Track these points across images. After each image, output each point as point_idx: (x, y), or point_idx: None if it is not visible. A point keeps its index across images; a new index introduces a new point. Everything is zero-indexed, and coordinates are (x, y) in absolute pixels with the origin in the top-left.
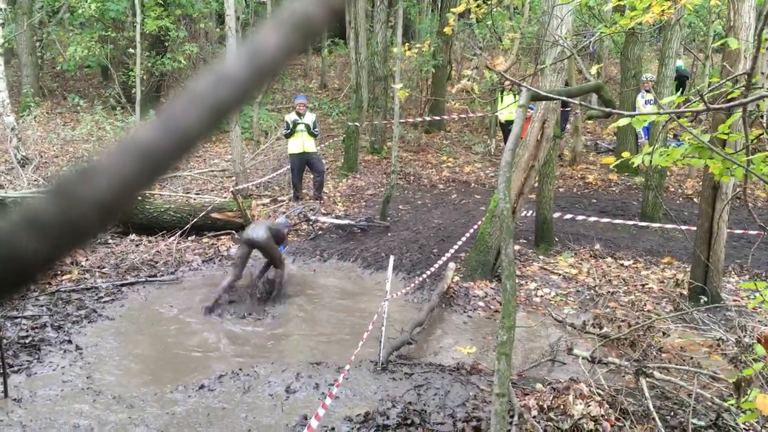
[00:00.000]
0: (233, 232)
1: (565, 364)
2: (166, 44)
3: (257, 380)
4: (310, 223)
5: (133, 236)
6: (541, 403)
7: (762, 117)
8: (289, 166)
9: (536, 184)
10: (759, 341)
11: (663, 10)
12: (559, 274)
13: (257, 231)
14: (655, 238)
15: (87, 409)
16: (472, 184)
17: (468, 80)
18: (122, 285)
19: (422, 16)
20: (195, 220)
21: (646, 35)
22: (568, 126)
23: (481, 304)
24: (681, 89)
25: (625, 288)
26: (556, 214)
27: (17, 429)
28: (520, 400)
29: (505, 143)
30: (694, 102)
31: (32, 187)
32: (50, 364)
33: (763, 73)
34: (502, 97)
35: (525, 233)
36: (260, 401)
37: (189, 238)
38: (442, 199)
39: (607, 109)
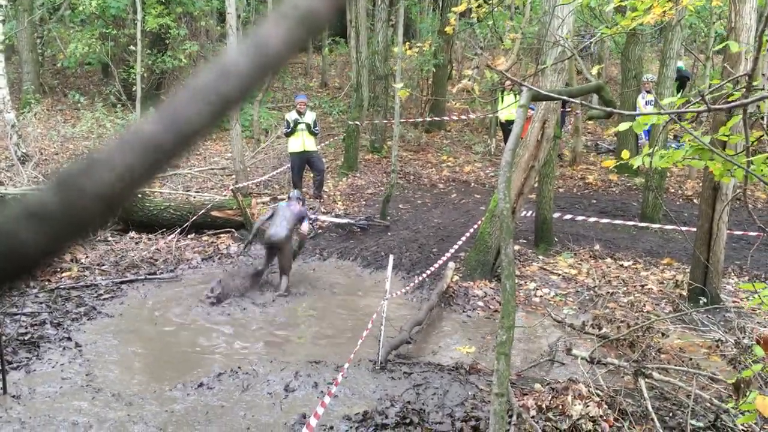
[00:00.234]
0: (233, 230)
1: (564, 364)
2: (167, 42)
3: (256, 378)
4: (311, 221)
5: (132, 234)
6: (539, 403)
7: (762, 119)
8: (289, 165)
9: (536, 184)
10: (758, 342)
11: (664, 11)
12: (559, 275)
13: (277, 229)
14: (654, 239)
15: (86, 407)
16: (472, 184)
17: (469, 80)
18: (122, 282)
19: (423, 15)
20: (195, 218)
21: (647, 36)
22: (569, 126)
23: (481, 303)
24: (681, 90)
25: (625, 289)
26: (556, 215)
27: (16, 425)
28: (519, 400)
29: (506, 143)
30: (695, 103)
31: (32, 184)
32: (49, 361)
33: (763, 75)
34: (502, 97)
35: (525, 233)
36: (259, 399)
37: (189, 236)
38: (442, 199)
39: (608, 110)
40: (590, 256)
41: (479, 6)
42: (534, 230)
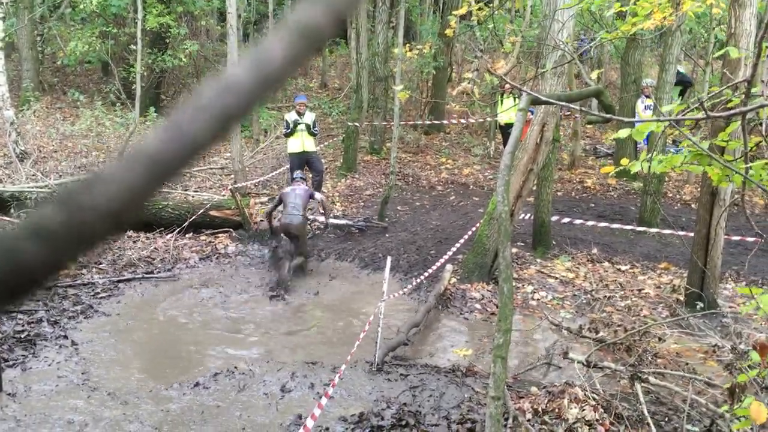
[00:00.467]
0: (231, 230)
1: (560, 367)
2: (167, 41)
3: (252, 379)
4: (309, 222)
5: (130, 232)
6: (536, 407)
7: (761, 125)
8: (288, 165)
9: (535, 188)
10: (754, 348)
11: (664, 17)
12: (556, 278)
13: (292, 217)
14: (652, 244)
15: (81, 405)
16: (471, 186)
17: (468, 83)
18: (119, 281)
19: (424, 18)
20: (193, 217)
21: (647, 41)
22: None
23: (478, 306)
24: (683, 95)
25: (622, 293)
26: (554, 218)
27: (11, 423)
28: (515, 403)
29: (504, 146)
30: (694, 109)
31: (30, 182)
32: (45, 359)
33: (763, 81)
34: (501, 100)
35: (523, 236)
36: (255, 400)
37: (186, 236)
38: (441, 201)
39: (608, 115)
40: (588, 260)
41: (480, 9)
42: (532, 233)
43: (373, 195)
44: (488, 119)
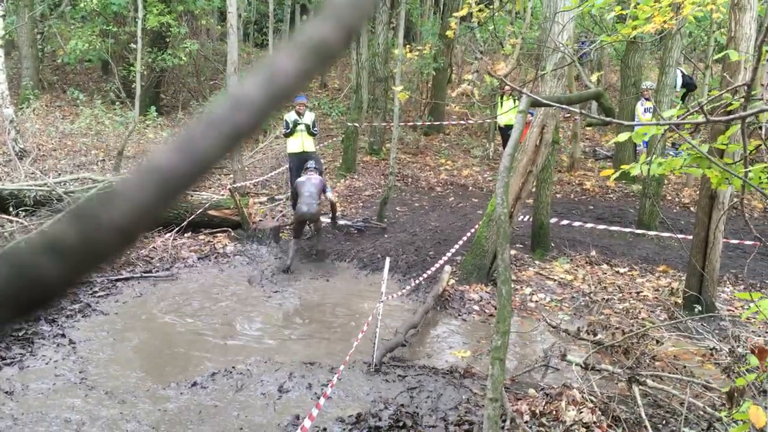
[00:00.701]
0: (230, 229)
1: (558, 370)
2: (167, 40)
3: (250, 379)
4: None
5: None
6: (533, 409)
7: (760, 128)
8: (287, 165)
9: (534, 189)
10: (752, 352)
11: (665, 21)
12: (555, 280)
13: (309, 207)
14: (651, 246)
15: (79, 404)
16: (470, 188)
17: (468, 84)
18: (117, 280)
19: (424, 19)
20: (192, 217)
21: (646, 44)
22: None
23: (476, 307)
24: (684, 98)
25: (620, 295)
26: (553, 220)
27: (8, 422)
28: (513, 404)
29: (504, 148)
30: (693, 113)
31: (29, 180)
32: (43, 357)
33: (762, 85)
34: (501, 102)
35: (521, 238)
36: (253, 400)
37: (185, 235)
38: (440, 202)
39: (607, 118)
40: (586, 262)
41: (480, 10)
42: (531, 235)
43: (372, 195)
44: (488, 121)
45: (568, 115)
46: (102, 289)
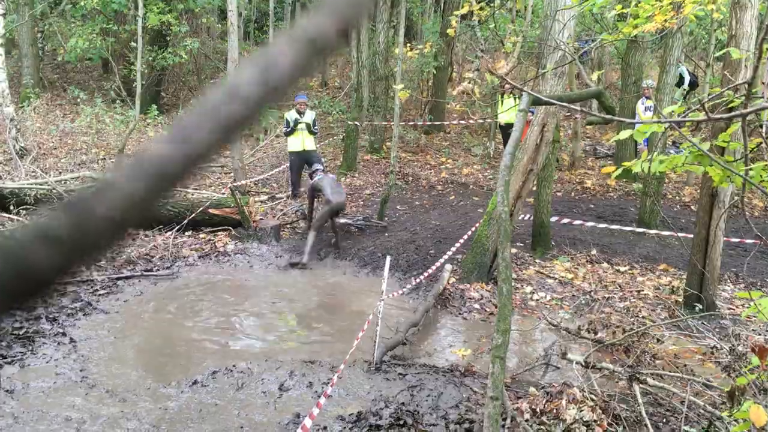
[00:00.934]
0: (230, 228)
1: (558, 368)
2: (168, 38)
3: (251, 377)
4: (308, 220)
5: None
6: (534, 407)
7: (761, 126)
8: (287, 164)
9: (534, 188)
10: (753, 351)
11: (666, 20)
12: (555, 279)
13: (340, 196)
14: (651, 245)
15: (79, 402)
16: (471, 186)
17: (469, 83)
18: (118, 278)
19: (425, 17)
20: (192, 215)
21: (647, 42)
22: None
23: (477, 306)
24: (686, 95)
25: (621, 294)
26: (554, 219)
27: (9, 420)
28: (513, 403)
29: (505, 146)
30: (694, 111)
31: (30, 179)
32: (44, 356)
33: (763, 83)
34: (502, 100)
35: (522, 237)
36: (253, 398)
37: (186, 234)
38: (440, 201)
39: (608, 116)
40: (587, 261)
41: (481, 9)
42: (531, 234)
43: (373, 194)
44: (488, 119)
45: (569, 113)
46: (103, 288)
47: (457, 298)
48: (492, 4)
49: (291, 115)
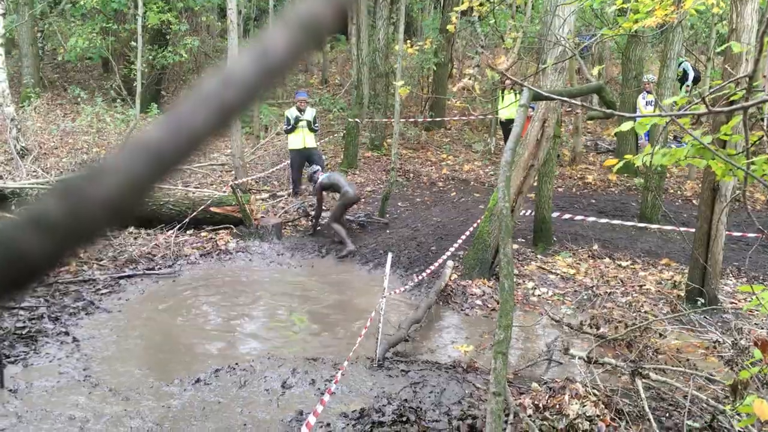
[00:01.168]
0: (232, 226)
1: (561, 363)
2: (168, 37)
3: (253, 375)
4: (309, 218)
5: (131, 229)
6: (536, 403)
7: (762, 120)
8: (288, 161)
9: (535, 184)
10: (755, 344)
11: (666, 14)
12: (557, 274)
13: (354, 189)
14: (653, 240)
15: (83, 401)
16: (472, 183)
17: (469, 79)
18: (120, 277)
19: (424, 13)
20: (194, 214)
21: (648, 36)
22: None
23: (479, 302)
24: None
25: (623, 289)
26: (555, 214)
27: (13, 420)
28: (516, 399)
29: (505, 142)
30: (696, 104)
31: (31, 178)
32: (47, 355)
33: (764, 76)
34: (502, 96)
35: (523, 232)
36: (256, 396)
37: (187, 232)
38: (442, 197)
39: (608, 111)
40: (589, 256)
41: (481, 4)
42: (533, 229)
43: (374, 191)
44: (489, 115)
45: (570, 108)
46: (105, 287)
47: (459, 295)
48: (492, 0)
49: (291, 112)
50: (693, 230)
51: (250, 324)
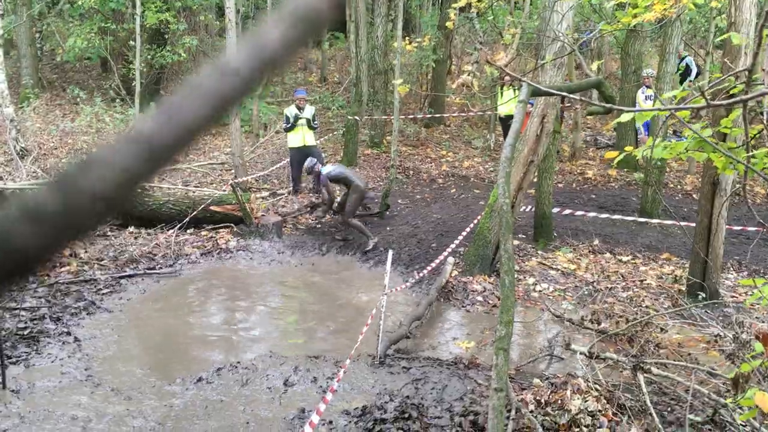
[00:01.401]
0: (232, 225)
1: (562, 359)
2: (166, 37)
3: (255, 373)
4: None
5: (131, 228)
6: (538, 398)
7: (762, 113)
8: (288, 160)
9: (535, 180)
10: (757, 338)
11: (665, 8)
12: (558, 270)
13: (363, 181)
14: (653, 234)
15: (85, 401)
16: (472, 179)
17: (468, 75)
18: (121, 277)
19: (423, 10)
20: (194, 213)
21: (647, 31)
22: (569, 122)
23: (480, 298)
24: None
25: (624, 284)
26: (555, 210)
27: (15, 420)
28: (518, 394)
29: (505, 138)
30: (695, 98)
31: (31, 179)
32: (49, 355)
33: (763, 70)
34: (501, 92)
35: (524, 228)
36: (258, 394)
37: (188, 231)
38: (441, 194)
39: (608, 105)
40: (589, 251)
41: (479, 0)
42: (533, 225)
43: (374, 189)
44: (488, 112)
45: (569, 104)
46: (106, 287)
47: (460, 291)
48: None
49: (291, 110)
50: (693, 224)
51: (251, 322)
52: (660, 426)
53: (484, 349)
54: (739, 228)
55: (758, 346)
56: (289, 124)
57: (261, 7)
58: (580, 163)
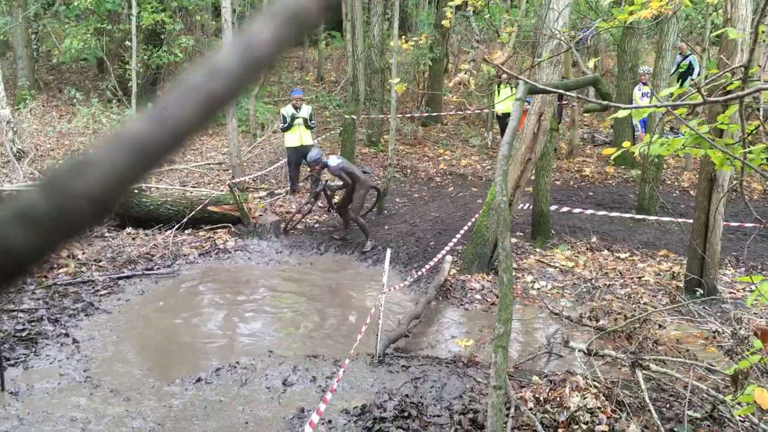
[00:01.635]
0: (230, 225)
1: (561, 356)
2: (162, 37)
3: (254, 373)
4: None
5: (129, 229)
6: (537, 396)
7: (759, 110)
8: (285, 160)
9: (533, 177)
10: (755, 334)
11: (661, 5)
12: (556, 267)
13: (365, 176)
14: (651, 231)
15: (84, 402)
16: (469, 177)
17: (465, 73)
18: (119, 278)
19: (419, 9)
20: (192, 213)
21: (643, 28)
22: (567, 120)
23: (478, 296)
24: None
25: (622, 281)
26: (553, 207)
27: (14, 422)
28: (517, 392)
29: (502, 136)
30: (692, 95)
31: (28, 180)
32: (47, 357)
33: (760, 66)
34: (498, 90)
35: (522, 226)
36: (257, 394)
37: (185, 232)
38: (439, 192)
39: (605, 102)
40: (587, 249)
41: None
42: (531, 223)
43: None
44: (485, 110)
45: (566, 101)
46: (104, 288)
47: (458, 289)
48: None
49: (287, 110)
50: (691, 221)
51: (250, 322)
52: (659, 422)
53: (483, 347)
54: (736, 224)
55: (757, 343)
56: (286, 124)
57: (257, 6)
58: (578, 161)
